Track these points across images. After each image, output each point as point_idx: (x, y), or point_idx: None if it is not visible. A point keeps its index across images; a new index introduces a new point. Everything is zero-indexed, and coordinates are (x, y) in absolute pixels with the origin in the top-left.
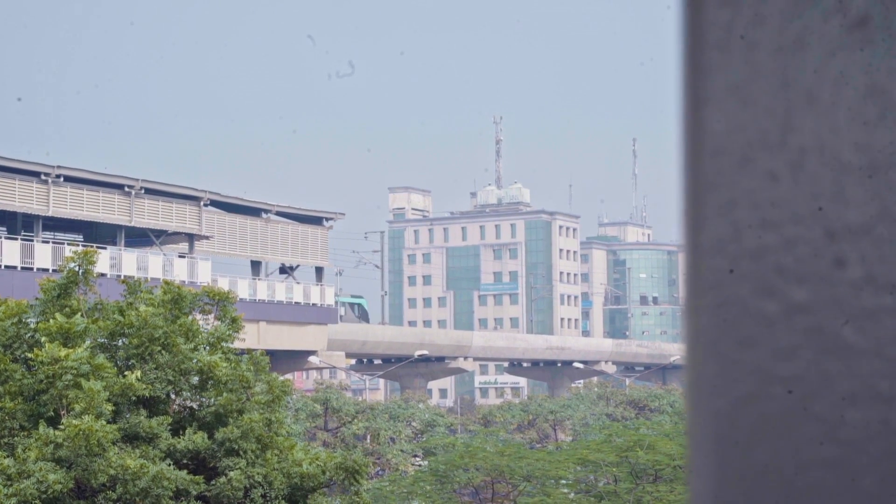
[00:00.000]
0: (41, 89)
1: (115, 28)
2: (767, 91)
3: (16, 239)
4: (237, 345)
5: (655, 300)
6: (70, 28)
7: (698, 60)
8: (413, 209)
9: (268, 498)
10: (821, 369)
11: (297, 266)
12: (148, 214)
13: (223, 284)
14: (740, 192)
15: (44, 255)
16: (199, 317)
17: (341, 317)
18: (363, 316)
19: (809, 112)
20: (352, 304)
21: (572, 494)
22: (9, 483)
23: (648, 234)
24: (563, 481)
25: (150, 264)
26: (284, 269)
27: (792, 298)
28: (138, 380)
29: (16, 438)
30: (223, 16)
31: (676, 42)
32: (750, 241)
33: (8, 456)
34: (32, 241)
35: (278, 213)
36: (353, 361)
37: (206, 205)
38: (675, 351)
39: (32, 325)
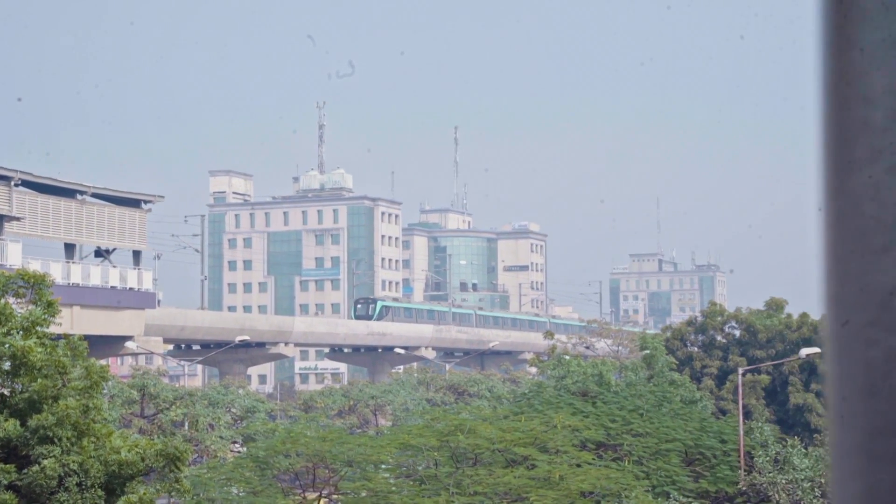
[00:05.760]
0: (48, 90)
1: (119, 28)
2: None
3: None
4: (53, 329)
5: (475, 286)
6: (76, 31)
7: (852, 13)
8: (234, 193)
9: (83, 486)
10: None
11: (114, 249)
12: None
13: (35, 267)
14: (888, 141)
15: None
16: (12, 300)
17: None
18: None
19: None
20: None
21: (393, 479)
22: None
23: (469, 222)
24: (384, 466)
25: None
26: (100, 253)
27: None
28: None
29: None
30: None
31: None
32: None
33: None
34: None
35: (94, 195)
36: (170, 347)
37: (16, 185)
38: (493, 337)
39: None
